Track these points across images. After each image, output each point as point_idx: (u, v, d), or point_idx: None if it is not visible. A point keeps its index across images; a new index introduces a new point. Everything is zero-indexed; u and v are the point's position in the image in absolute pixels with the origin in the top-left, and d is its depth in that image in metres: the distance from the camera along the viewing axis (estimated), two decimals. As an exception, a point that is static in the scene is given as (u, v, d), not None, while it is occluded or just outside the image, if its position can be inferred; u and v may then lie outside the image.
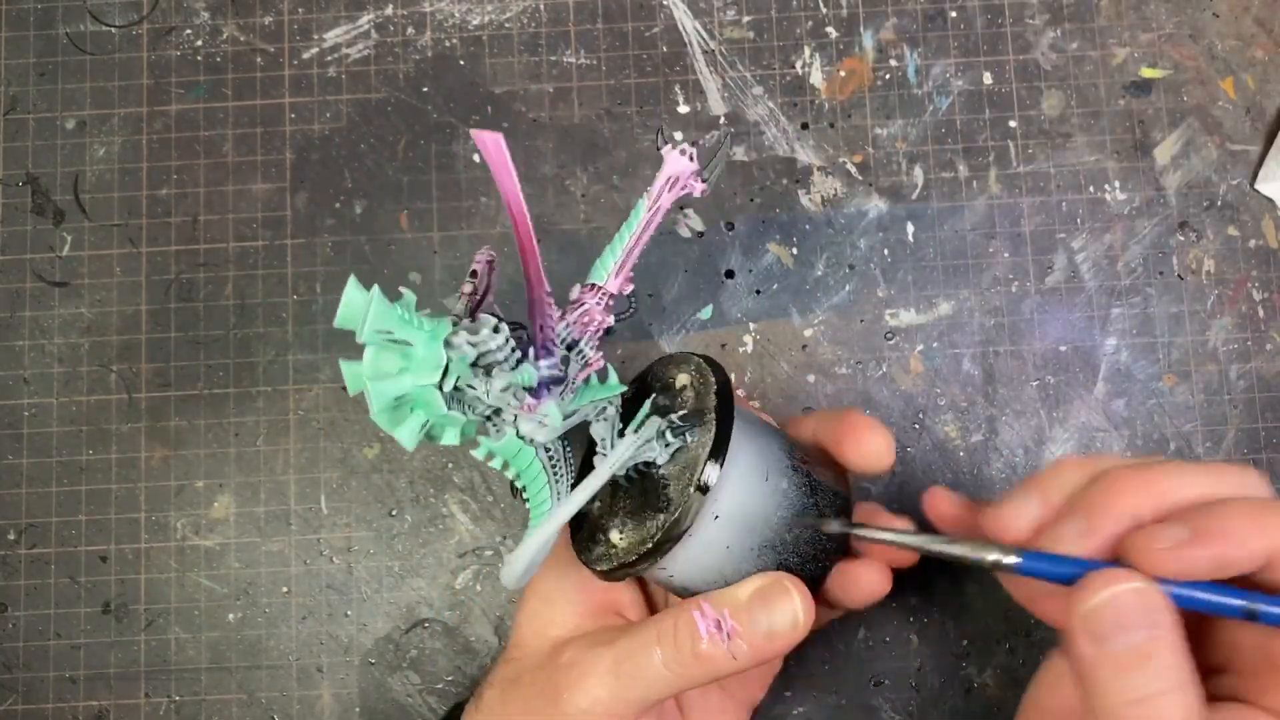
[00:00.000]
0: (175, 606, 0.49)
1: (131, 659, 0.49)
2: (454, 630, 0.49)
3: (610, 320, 0.37)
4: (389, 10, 0.52)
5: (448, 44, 0.52)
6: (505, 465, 0.35)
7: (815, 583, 0.38)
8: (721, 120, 0.51)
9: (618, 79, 0.52)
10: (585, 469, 0.38)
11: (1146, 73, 0.51)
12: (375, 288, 0.32)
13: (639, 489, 0.37)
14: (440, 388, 0.32)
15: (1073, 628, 0.30)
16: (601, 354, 0.37)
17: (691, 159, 0.36)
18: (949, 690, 0.48)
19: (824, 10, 0.52)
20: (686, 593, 0.37)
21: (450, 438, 0.33)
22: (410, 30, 0.52)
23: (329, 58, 0.52)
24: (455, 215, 0.51)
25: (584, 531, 0.38)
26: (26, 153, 0.52)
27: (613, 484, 0.37)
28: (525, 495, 0.36)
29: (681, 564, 0.36)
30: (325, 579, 0.49)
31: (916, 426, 0.49)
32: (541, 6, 0.52)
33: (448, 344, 0.32)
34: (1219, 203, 0.50)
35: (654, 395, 0.37)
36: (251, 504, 0.50)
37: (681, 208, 0.51)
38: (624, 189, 0.51)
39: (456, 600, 0.49)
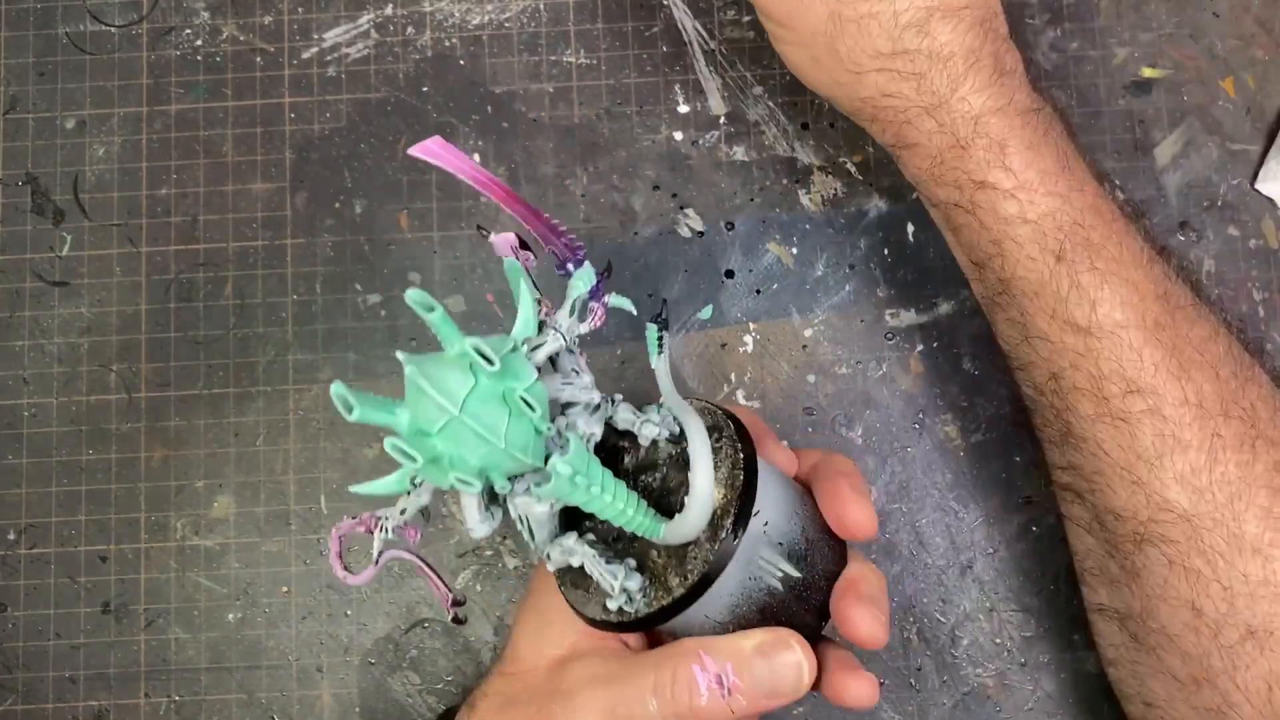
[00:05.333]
0: (175, 606, 0.49)
1: (131, 659, 0.49)
2: (454, 630, 0.49)
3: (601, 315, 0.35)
4: (389, 10, 0.52)
5: (447, 43, 0.52)
6: (588, 486, 0.32)
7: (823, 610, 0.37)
8: (721, 120, 0.51)
9: (618, 79, 0.52)
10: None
11: (1147, 72, 0.51)
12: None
13: (656, 494, 0.35)
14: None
15: None
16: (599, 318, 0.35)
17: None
18: (949, 690, 0.48)
19: (824, 10, 0.52)
20: (781, 551, 0.35)
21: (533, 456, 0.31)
22: (410, 30, 0.52)
23: (329, 57, 0.52)
24: (455, 215, 0.51)
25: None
26: (26, 152, 0.52)
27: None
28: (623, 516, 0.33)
29: (765, 498, 0.34)
30: (325, 579, 0.49)
31: (916, 426, 0.49)
32: (541, 6, 0.52)
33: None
34: (1219, 203, 0.50)
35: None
36: (251, 504, 0.50)
37: (681, 207, 0.51)
38: (624, 189, 0.51)
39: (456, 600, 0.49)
